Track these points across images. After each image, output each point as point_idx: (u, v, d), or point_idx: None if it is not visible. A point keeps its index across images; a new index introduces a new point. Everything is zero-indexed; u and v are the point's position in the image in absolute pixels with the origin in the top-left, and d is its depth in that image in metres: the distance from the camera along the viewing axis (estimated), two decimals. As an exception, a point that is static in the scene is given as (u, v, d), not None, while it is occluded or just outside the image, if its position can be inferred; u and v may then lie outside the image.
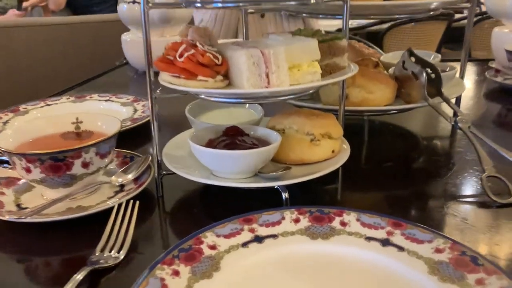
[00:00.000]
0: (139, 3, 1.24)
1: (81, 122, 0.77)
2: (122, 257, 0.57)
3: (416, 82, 0.90)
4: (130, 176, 0.72)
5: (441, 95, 0.88)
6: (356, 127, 0.99)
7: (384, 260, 0.53)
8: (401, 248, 0.54)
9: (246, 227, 0.57)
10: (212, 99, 0.67)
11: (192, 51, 0.63)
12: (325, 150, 0.71)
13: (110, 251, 0.57)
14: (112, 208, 0.63)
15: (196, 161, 0.70)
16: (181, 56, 0.63)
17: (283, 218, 0.59)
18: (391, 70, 1.02)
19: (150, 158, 0.76)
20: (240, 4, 0.81)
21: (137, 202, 0.63)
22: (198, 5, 0.68)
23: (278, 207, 0.61)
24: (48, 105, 1.16)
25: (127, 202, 0.64)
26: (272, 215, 0.60)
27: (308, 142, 0.70)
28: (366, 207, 0.63)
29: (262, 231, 0.57)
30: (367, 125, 0.95)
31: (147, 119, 1.02)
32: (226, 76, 0.65)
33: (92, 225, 0.63)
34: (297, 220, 0.59)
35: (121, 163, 0.79)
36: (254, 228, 0.57)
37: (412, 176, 0.82)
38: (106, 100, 1.19)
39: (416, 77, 0.89)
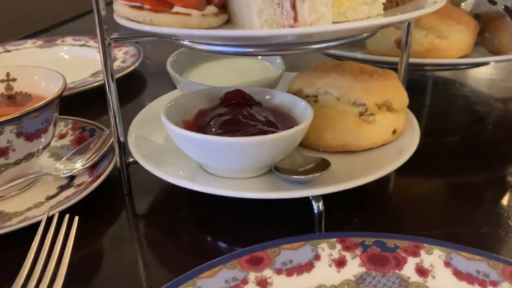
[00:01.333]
0: None
1: (13, 79, 0.52)
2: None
3: (509, 22, 0.61)
4: (79, 165, 0.48)
5: (548, 41, 0.60)
6: (414, 85, 0.71)
7: None
8: (537, 332, 0.29)
9: (252, 275, 0.33)
10: (200, 47, 0.40)
11: (163, -39, 0.36)
12: (383, 130, 0.45)
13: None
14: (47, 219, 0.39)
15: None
16: (144, -30, 0.36)
17: (317, 257, 0.35)
18: (464, 5, 0.73)
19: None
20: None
21: (76, 218, 0.38)
22: None
23: (305, 235, 0.36)
24: (8, 51, 0.92)
25: (62, 214, 0.39)
26: (297, 251, 0.35)
27: (356, 118, 0.44)
28: (432, 205, 0.46)
29: (280, 283, 0.33)
30: (430, 83, 0.67)
31: (126, 71, 0.76)
32: (224, 7, 0.38)
33: (19, 239, 0.41)
34: (341, 262, 0.34)
35: (78, 139, 0.55)
36: (266, 277, 0.33)
37: (498, 158, 0.55)
38: (81, 45, 0.92)
39: (511, 14, 0.61)
